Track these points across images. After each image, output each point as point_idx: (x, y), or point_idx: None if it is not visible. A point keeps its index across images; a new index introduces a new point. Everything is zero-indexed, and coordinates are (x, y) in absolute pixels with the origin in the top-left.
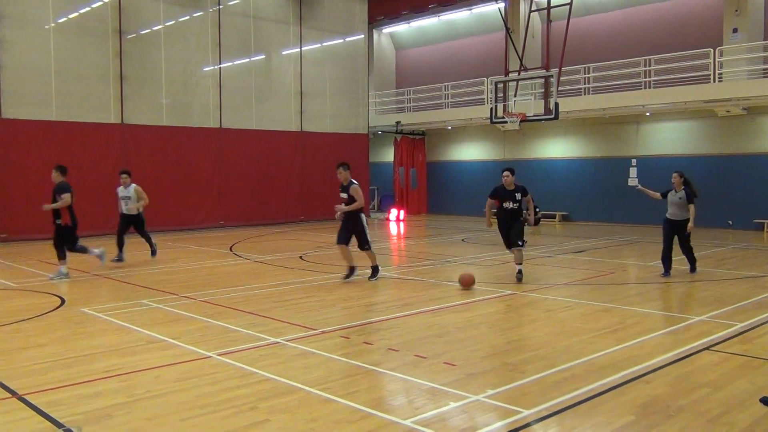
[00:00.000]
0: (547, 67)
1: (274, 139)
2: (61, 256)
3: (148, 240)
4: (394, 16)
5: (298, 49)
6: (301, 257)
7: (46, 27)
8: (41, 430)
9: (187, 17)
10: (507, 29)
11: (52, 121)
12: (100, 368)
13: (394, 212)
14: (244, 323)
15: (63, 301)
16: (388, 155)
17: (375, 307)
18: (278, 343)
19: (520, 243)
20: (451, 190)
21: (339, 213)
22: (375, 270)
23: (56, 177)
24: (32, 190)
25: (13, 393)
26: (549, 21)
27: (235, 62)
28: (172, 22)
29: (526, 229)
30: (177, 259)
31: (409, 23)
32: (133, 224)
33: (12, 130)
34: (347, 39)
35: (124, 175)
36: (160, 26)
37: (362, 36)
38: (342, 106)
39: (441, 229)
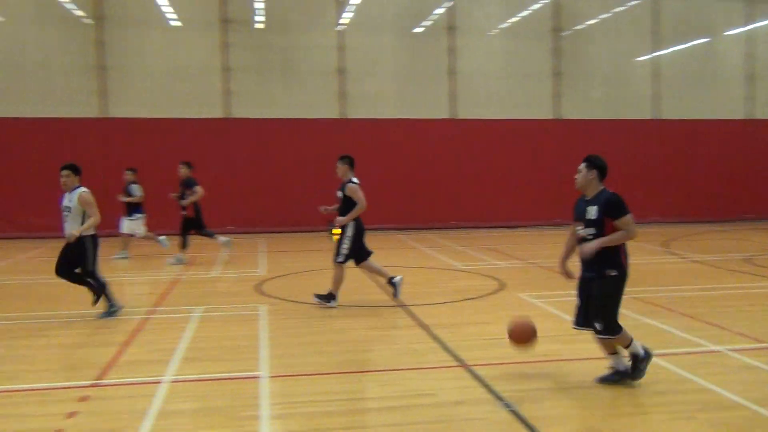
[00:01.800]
0: None
1: (717, 130)
2: (185, 244)
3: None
4: None
5: (746, 28)
6: (747, 260)
7: (490, 33)
8: (485, 401)
9: (623, 8)
10: None
11: (494, 120)
12: (538, 352)
13: None
14: (680, 325)
15: (502, 285)
16: None
17: None
18: (718, 351)
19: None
20: None
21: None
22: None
23: (184, 172)
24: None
25: (461, 362)
26: None
27: (674, 48)
28: (607, 15)
29: None
30: None
31: None
32: None
33: (466, 127)
34: None
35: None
36: (595, 21)
37: None
38: None
39: None
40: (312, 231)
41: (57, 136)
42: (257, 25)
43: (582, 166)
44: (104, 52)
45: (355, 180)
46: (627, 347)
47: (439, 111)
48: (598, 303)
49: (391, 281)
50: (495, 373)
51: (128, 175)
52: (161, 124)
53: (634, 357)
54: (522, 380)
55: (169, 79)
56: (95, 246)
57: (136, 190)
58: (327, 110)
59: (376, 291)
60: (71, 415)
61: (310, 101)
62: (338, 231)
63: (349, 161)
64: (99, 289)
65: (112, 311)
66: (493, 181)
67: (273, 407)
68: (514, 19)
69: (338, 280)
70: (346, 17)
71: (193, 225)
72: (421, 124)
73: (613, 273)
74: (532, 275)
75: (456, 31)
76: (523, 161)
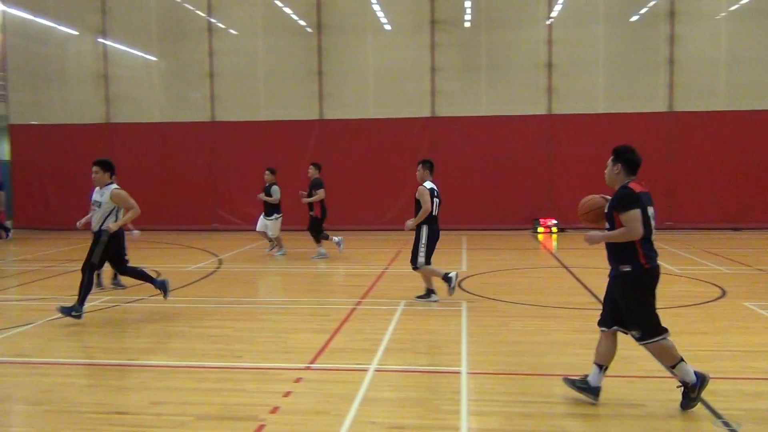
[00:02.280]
0: None
1: None
2: (319, 240)
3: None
4: None
5: None
6: None
7: (717, 17)
8: (701, 417)
9: None
10: None
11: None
12: (763, 367)
13: None
14: None
15: (724, 293)
16: None
17: None
18: None
19: None
20: None
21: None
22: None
23: (313, 173)
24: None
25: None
26: None
27: None
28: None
29: None
30: None
31: None
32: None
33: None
34: None
35: None
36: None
37: None
38: None
39: None
40: (514, 229)
41: (283, 136)
42: (465, 24)
43: (609, 159)
44: (322, 58)
45: (427, 184)
46: (672, 368)
47: (654, 104)
48: (623, 306)
49: (446, 275)
50: (713, 388)
51: (268, 176)
52: (370, 125)
53: (683, 383)
54: (743, 398)
55: (380, 81)
56: (114, 244)
57: (276, 192)
58: (533, 106)
59: (581, 293)
60: (287, 394)
61: (516, 97)
62: (542, 230)
63: (429, 165)
64: (86, 288)
65: (74, 313)
66: (714, 178)
67: (471, 404)
68: (745, 1)
69: (430, 275)
70: (556, 9)
71: (318, 224)
72: (633, 118)
73: (627, 268)
74: (762, 283)
75: (677, 17)
76: (754, 157)
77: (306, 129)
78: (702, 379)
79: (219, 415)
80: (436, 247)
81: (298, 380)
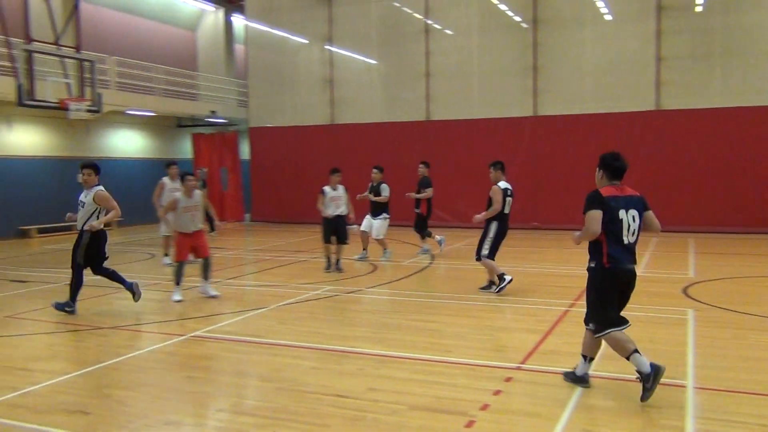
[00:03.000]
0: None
1: None
2: (424, 237)
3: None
4: None
5: None
6: None
7: None
8: None
9: None
10: None
11: None
12: None
13: None
14: None
15: None
16: None
17: None
18: None
19: None
20: None
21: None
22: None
23: (422, 171)
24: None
25: None
26: None
27: None
28: None
29: None
30: None
31: None
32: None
33: None
34: None
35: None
36: None
37: None
38: None
39: None
40: (751, 232)
41: (496, 133)
42: (696, 8)
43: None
44: (537, 53)
45: (501, 184)
46: (627, 359)
47: None
48: (586, 299)
49: (501, 276)
50: None
51: (375, 174)
52: (588, 120)
53: (639, 374)
54: None
55: (598, 74)
56: (96, 243)
57: (385, 190)
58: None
59: None
60: (497, 392)
61: (756, 87)
62: None
63: (501, 166)
64: (75, 285)
65: (67, 308)
66: None
67: (699, 422)
68: None
69: (492, 269)
70: None
71: (423, 221)
72: None
73: (591, 264)
74: None
75: None
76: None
77: (519, 126)
78: (656, 370)
79: (430, 406)
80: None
81: (508, 379)
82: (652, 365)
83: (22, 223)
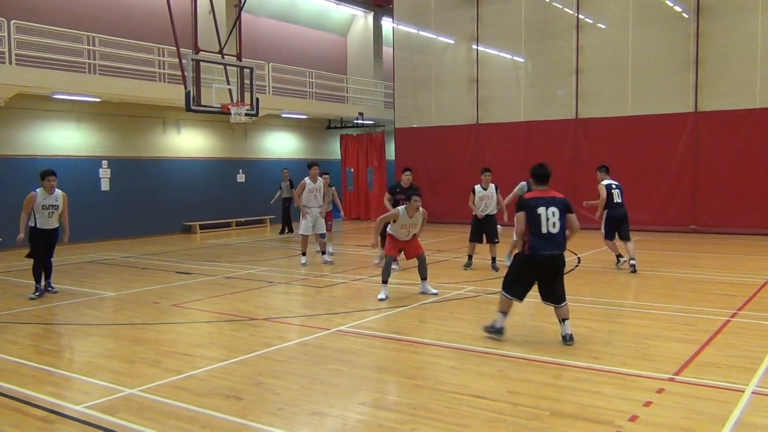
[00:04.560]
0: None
1: None
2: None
3: None
4: None
5: None
6: None
7: None
8: None
9: None
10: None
11: None
12: None
13: None
14: None
15: None
16: None
17: None
18: None
19: None
20: None
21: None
22: None
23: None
24: None
25: None
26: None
27: None
28: None
29: None
30: None
31: None
32: None
33: None
34: None
35: None
36: None
37: None
38: None
39: None
40: None
41: (651, 131)
42: None
43: None
44: (699, 44)
45: (605, 182)
46: (500, 312)
47: None
48: (508, 269)
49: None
50: None
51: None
52: (757, 115)
53: (492, 324)
54: None
55: None
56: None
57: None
58: None
59: None
60: (647, 404)
61: None
62: None
63: (605, 169)
64: (36, 271)
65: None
66: None
67: None
68: None
69: (612, 249)
70: None
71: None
72: None
73: (517, 251)
74: None
75: None
76: None
77: (677, 123)
78: (499, 330)
79: (574, 414)
80: None
81: (660, 391)
82: (502, 329)
83: (186, 219)
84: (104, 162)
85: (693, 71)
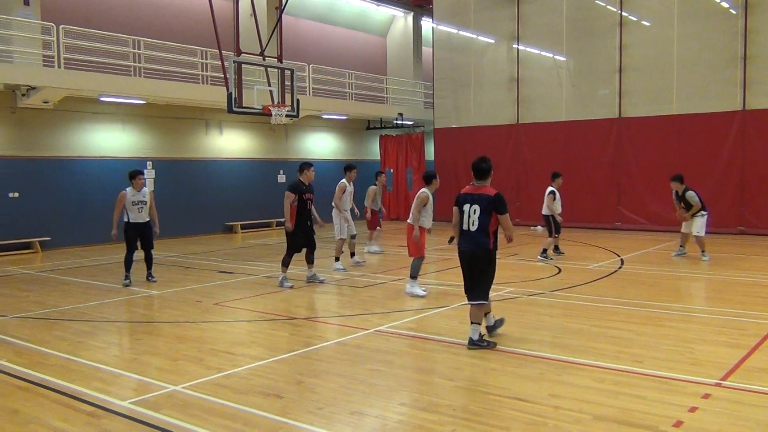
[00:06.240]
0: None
1: None
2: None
3: None
4: None
5: None
6: None
7: None
8: None
9: None
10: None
11: None
12: None
13: None
14: None
15: None
16: None
17: None
18: None
19: None
20: None
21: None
22: None
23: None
24: None
25: None
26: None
27: None
28: None
29: None
30: None
31: None
32: None
33: None
34: None
35: None
36: None
37: None
38: None
39: None
40: None
41: (697, 131)
42: None
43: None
44: (747, 41)
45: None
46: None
47: None
48: None
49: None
50: None
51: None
52: None
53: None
54: None
55: None
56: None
57: (693, 198)
58: None
59: None
60: (692, 409)
61: None
62: None
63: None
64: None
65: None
66: None
67: None
68: None
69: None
70: None
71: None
72: None
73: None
74: None
75: None
76: None
77: (724, 121)
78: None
79: (616, 418)
80: None
81: (706, 396)
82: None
83: (228, 219)
84: (149, 163)
85: (741, 68)
